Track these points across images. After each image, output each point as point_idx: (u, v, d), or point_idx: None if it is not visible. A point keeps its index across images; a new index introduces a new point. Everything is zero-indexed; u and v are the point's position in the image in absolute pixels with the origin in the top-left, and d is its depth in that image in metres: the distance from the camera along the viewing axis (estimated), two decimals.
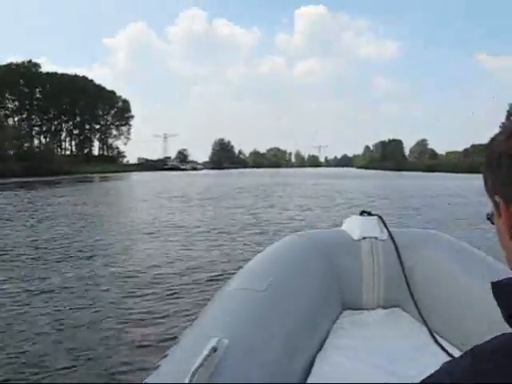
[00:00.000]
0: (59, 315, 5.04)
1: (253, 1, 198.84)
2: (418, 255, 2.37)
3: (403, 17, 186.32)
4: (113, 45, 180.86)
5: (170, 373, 1.32)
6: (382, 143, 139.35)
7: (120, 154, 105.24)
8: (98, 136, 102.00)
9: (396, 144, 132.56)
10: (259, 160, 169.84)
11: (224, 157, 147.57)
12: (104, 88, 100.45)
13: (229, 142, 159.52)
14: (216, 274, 6.71)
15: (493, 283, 0.54)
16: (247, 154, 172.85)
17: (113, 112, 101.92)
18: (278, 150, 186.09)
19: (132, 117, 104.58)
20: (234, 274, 2.16)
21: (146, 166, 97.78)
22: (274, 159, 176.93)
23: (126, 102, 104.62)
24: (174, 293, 5.86)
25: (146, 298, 5.62)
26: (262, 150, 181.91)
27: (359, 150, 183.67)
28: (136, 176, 59.10)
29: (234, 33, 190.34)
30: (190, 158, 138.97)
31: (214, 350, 1.31)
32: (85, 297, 5.74)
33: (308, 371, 1.73)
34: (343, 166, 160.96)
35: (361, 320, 2.25)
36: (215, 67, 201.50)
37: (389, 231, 2.48)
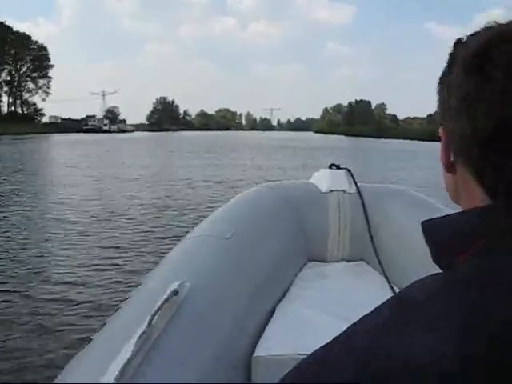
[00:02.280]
0: None
1: None
2: (384, 210, 2.37)
3: None
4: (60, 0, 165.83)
5: (130, 315, 1.32)
6: (349, 104, 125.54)
7: (38, 112, 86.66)
8: (6, 89, 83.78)
9: (364, 105, 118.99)
10: (206, 122, 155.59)
11: (166, 117, 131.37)
12: (13, 29, 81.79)
13: (173, 102, 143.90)
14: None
15: (423, 222, 0.53)
16: (193, 116, 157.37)
17: (28, 60, 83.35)
18: (228, 111, 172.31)
19: (51, 66, 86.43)
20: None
21: (60, 126, 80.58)
22: (223, 121, 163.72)
23: (42, 48, 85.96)
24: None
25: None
26: (211, 112, 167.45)
27: (313, 114, 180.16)
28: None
29: None
30: (122, 118, 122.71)
31: (175, 293, 1.31)
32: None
33: (268, 319, 1.73)
34: (298, 130, 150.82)
35: (324, 272, 2.25)
36: (166, 26, 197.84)
37: (357, 185, 2.46)
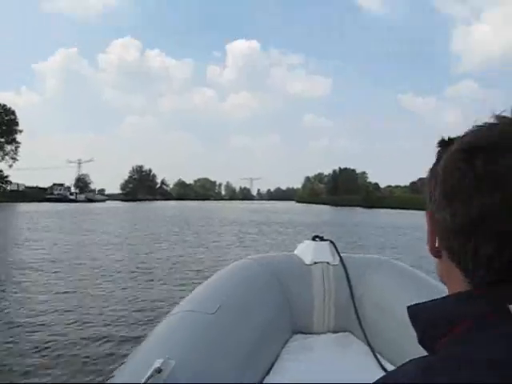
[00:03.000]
0: None
1: (186, 33, 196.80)
2: (367, 281, 2.37)
3: (333, 54, 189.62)
4: (42, 70, 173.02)
5: None
6: (333, 172, 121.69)
7: (3, 179, 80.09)
8: None
9: (349, 173, 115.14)
10: (185, 191, 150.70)
11: (142, 187, 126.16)
12: None
13: (150, 171, 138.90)
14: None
15: (408, 307, 0.58)
16: (171, 185, 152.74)
17: None
18: (207, 180, 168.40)
19: (19, 131, 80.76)
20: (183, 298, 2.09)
21: (22, 195, 74.10)
22: (202, 191, 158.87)
23: (10, 112, 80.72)
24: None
25: None
26: (190, 181, 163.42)
27: (293, 183, 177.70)
28: None
29: (166, 64, 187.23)
30: (94, 187, 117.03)
31: (159, 371, 1.31)
32: None
33: None
34: (278, 199, 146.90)
35: (310, 344, 2.26)
36: (147, 98, 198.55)
37: (340, 256, 2.50)
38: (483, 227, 0.52)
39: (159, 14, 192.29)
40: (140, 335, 4.02)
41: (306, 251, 2.53)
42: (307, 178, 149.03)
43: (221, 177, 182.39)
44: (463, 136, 0.59)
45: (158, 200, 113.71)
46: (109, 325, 6.02)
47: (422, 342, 0.56)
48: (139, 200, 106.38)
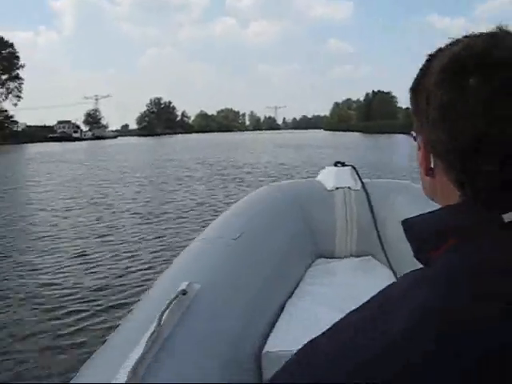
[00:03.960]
0: None
1: None
2: (389, 205, 2.37)
3: None
4: (59, 7, 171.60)
5: (141, 316, 1.34)
6: (366, 96, 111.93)
7: (9, 119, 73.98)
8: None
9: (384, 97, 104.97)
10: (207, 123, 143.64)
11: (160, 120, 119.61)
12: None
13: (169, 103, 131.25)
14: None
15: (402, 221, 0.57)
16: (193, 117, 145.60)
17: None
18: (230, 111, 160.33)
19: (22, 67, 73.98)
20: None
21: (22, 135, 67.43)
22: (225, 122, 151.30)
23: (8, 45, 73.42)
24: None
25: None
26: (212, 112, 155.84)
27: (319, 111, 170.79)
28: None
29: None
30: (106, 122, 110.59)
31: (184, 293, 1.34)
32: None
33: (278, 315, 1.76)
34: (304, 128, 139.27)
35: (333, 268, 2.27)
36: (166, 29, 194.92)
37: (362, 181, 2.49)
38: (485, 146, 0.50)
39: None
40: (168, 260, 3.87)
41: (328, 177, 2.54)
42: (336, 104, 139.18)
43: (245, 106, 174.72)
44: (454, 45, 0.55)
45: (178, 134, 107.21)
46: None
47: (417, 255, 0.56)
48: (157, 135, 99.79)
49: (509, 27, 0.53)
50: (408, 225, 0.57)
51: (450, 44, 0.56)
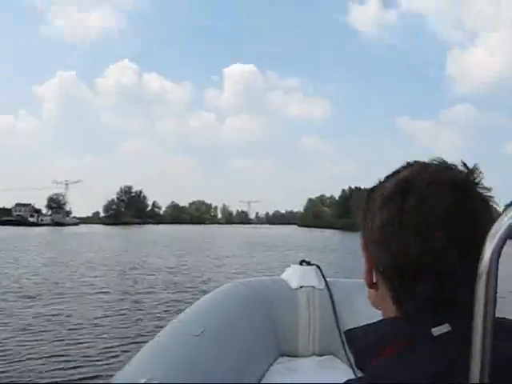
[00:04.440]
0: None
1: (184, 56, 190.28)
2: (352, 304, 2.39)
3: (330, 77, 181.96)
4: (41, 93, 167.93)
5: None
6: (343, 192, 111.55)
7: None
8: None
9: (362, 194, 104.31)
10: (178, 215, 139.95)
11: (130, 209, 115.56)
12: None
13: (140, 192, 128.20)
14: None
15: (345, 331, 0.64)
16: (164, 208, 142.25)
17: None
18: (202, 203, 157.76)
19: None
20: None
21: None
22: (197, 214, 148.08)
23: None
24: None
25: None
26: (184, 204, 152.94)
27: (292, 207, 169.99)
28: None
29: (164, 87, 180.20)
30: (70, 208, 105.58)
31: None
32: None
33: None
34: (277, 223, 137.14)
35: (295, 366, 2.29)
36: (145, 121, 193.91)
37: (326, 281, 2.54)
38: (421, 267, 0.56)
39: (156, 38, 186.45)
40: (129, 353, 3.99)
41: (293, 275, 2.58)
42: (309, 200, 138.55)
43: (217, 200, 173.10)
44: (400, 171, 0.63)
45: (147, 224, 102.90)
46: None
47: (357, 364, 0.60)
48: (124, 223, 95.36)
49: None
50: (350, 335, 0.62)
51: (393, 174, 0.63)
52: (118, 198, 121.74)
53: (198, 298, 2.42)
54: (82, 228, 68.47)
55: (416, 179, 0.59)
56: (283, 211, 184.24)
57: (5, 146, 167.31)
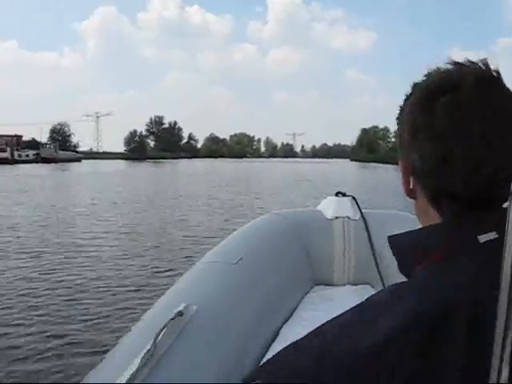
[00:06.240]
0: None
1: None
2: (387, 235, 1.76)
3: (376, 8, 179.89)
4: (83, 30, 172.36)
5: (138, 335, 1.39)
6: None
7: None
8: None
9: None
10: (217, 148, 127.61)
11: (160, 141, 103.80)
12: None
13: (175, 123, 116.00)
14: None
15: (388, 237, 0.64)
16: (202, 141, 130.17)
17: None
18: (245, 136, 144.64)
19: None
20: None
21: None
22: (238, 147, 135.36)
23: None
24: None
25: None
26: (224, 136, 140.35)
27: (340, 140, 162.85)
28: None
29: (206, 20, 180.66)
30: (78, 142, 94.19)
31: (180, 314, 1.38)
32: None
33: (273, 340, 1.79)
34: (325, 157, 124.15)
35: (330, 295, 2.30)
36: (187, 54, 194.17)
37: (361, 211, 2.54)
38: (449, 166, 0.55)
39: None
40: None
41: (328, 206, 2.58)
42: (363, 131, 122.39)
43: (261, 132, 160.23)
44: (426, 78, 0.62)
45: (180, 158, 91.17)
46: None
47: (401, 269, 0.61)
48: (151, 158, 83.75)
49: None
50: (393, 241, 0.63)
51: (424, 77, 0.63)
52: (147, 130, 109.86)
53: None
54: (85, 165, 56.73)
55: (443, 83, 0.58)
56: (330, 144, 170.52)
57: (50, 83, 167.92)
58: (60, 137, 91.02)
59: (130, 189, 22.28)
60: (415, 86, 0.63)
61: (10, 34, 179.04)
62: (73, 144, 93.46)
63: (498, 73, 0.59)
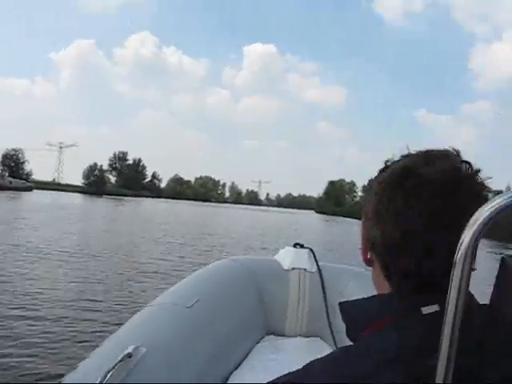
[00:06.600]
0: None
1: (203, 32, 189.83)
2: (341, 290, 2.42)
3: (350, 64, 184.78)
4: (58, 60, 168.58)
5: (85, 374, 1.38)
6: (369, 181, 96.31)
7: None
8: None
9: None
10: (181, 189, 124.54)
11: (122, 178, 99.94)
12: None
13: (139, 161, 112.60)
14: None
15: (339, 303, 0.68)
16: (166, 181, 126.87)
17: None
18: (210, 179, 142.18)
19: None
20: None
21: None
22: (203, 190, 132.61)
23: None
24: None
25: None
26: (189, 178, 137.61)
27: (305, 190, 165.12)
28: None
29: (182, 61, 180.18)
30: (31, 170, 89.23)
31: (129, 356, 1.36)
32: None
33: None
34: (289, 207, 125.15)
35: (281, 346, 2.31)
36: (161, 94, 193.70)
37: (317, 264, 2.57)
38: (405, 246, 0.60)
39: (178, 12, 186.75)
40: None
41: (286, 257, 2.60)
42: (330, 184, 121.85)
43: (227, 177, 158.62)
44: (395, 162, 0.67)
45: (142, 197, 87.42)
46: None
47: (347, 333, 0.65)
48: (111, 194, 79.68)
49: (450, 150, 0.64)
50: (344, 307, 0.67)
51: (396, 161, 0.67)
52: (110, 165, 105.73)
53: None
54: (34, 195, 52.26)
55: (412, 167, 0.62)
56: (295, 194, 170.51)
57: (19, 109, 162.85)
58: (13, 163, 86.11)
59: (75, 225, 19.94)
60: (385, 165, 0.68)
61: None
62: (25, 172, 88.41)
63: (468, 164, 0.62)
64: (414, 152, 0.66)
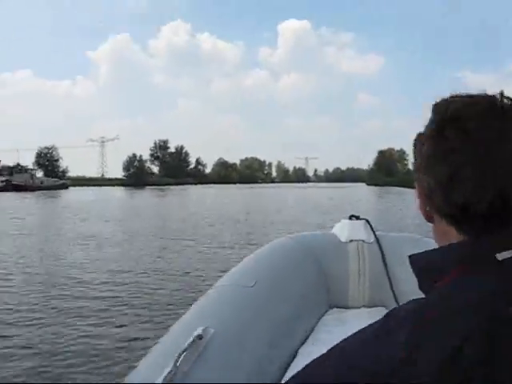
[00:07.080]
0: None
1: (235, 15, 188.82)
2: (401, 259, 2.41)
3: (386, 32, 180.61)
4: (96, 58, 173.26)
5: (156, 358, 1.42)
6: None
7: None
8: None
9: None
10: (226, 173, 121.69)
11: (165, 166, 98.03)
12: None
13: (181, 148, 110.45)
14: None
15: (409, 256, 0.66)
16: (211, 166, 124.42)
17: None
18: (255, 160, 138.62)
19: None
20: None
21: None
22: (248, 172, 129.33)
23: None
24: None
25: None
26: (234, 161, 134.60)
27: (353, 163, 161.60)
28: None
29: (217, 46, 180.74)
30: (67, 167, 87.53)
31: (200, 337, 1.41)
32: None
33: (291, 362, 1.81)
34: (338, 181, 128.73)
35: (345, 318, 2.33)
36: (198, 81, 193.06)
37: (375, 234, 2.56)
38: (460, 183, 0.58)
39: None
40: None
41: (343, 230, 2.59)
42: (380, 154, 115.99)
43: (271, 157, 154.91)
44: (440, 106, 0.64)
45: (185, 184, 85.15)
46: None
47: (419, 286, 0.64)
48: (151, 185, 77.74)
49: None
50: (414, 259, 0.65)
51: (439, 103, 0.65)
52: (151, 155, 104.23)
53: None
54: (71, 193, 50.62)
55: (456, 113, 0.61)
56: (343, 168, 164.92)
57: (63, 110, 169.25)
58: (47, 161, 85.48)
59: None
60: (432, 112, 0.65)
61: (26, 63, 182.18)
62: (61, 169, 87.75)
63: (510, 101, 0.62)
64: (454, 94, 0.64)
